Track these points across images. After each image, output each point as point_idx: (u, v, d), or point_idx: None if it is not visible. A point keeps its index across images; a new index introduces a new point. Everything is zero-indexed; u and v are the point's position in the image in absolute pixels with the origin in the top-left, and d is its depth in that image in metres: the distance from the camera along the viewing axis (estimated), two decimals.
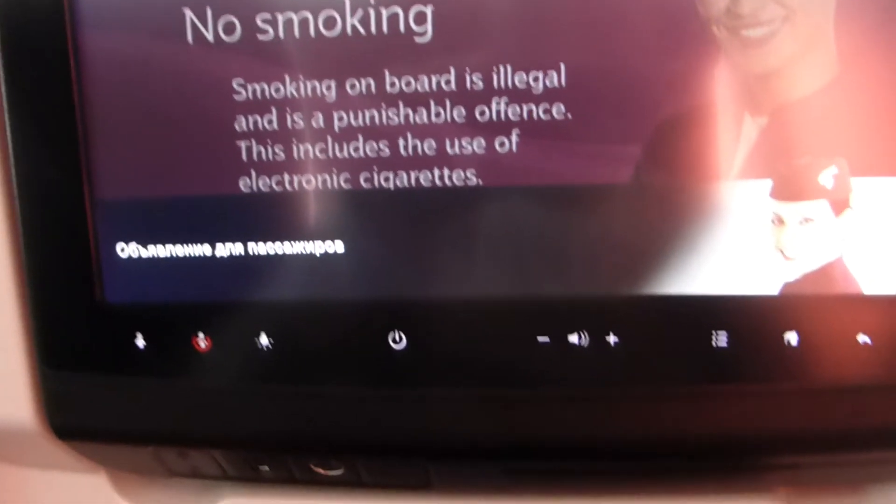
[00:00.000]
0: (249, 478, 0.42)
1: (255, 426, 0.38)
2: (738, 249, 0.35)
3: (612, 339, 0.35)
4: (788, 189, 0.35)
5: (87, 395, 0.38)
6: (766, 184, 0.34)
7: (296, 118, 0.35)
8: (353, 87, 0.35)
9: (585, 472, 0.39)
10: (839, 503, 0.42)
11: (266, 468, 0.41)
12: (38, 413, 0.39)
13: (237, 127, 0.36)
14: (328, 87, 0.35)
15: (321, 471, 0.41)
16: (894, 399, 0.35)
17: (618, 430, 0.36)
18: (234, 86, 0.35)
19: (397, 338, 0.36)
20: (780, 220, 0.35)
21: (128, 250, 0.37)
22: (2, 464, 0.45)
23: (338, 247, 0.36)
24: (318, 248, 0.36)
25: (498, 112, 0.35)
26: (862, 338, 0.35)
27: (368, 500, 0.43)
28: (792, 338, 0.35)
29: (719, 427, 0.36)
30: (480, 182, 0.35)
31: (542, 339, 0.36)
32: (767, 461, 0.38)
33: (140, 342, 0.37)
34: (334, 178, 0.36)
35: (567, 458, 0.38)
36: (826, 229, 0.35)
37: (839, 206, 0.34)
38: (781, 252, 0.35)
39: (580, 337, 0.36)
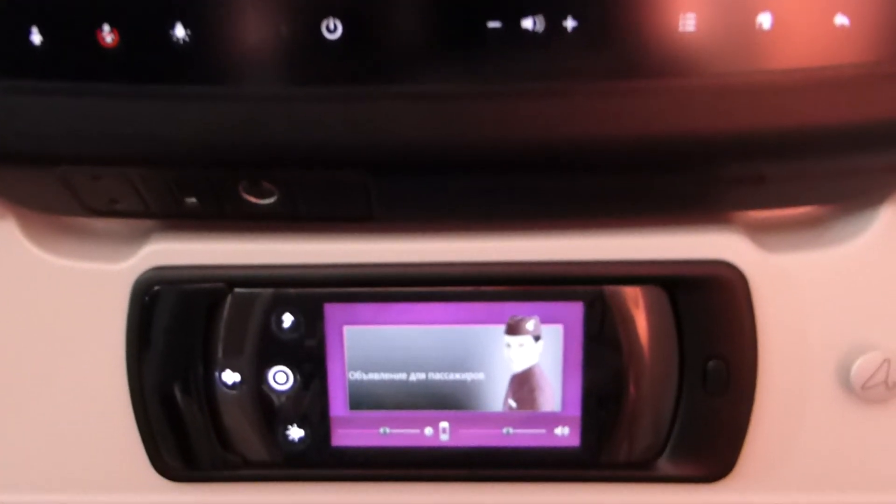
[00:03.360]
0: (175, 214, 0.39)
1: (172, 135, 0.34)
2: None
3: (569, 23, 0.32)
4: None
5: None
6: None
7: None
8: None
9: (537, 188, 0.37)
10: (798, 234, 0.41)
11: (193, 199, 0.38)
12: None
13: None
14: None
15: (253, 199, 0.37)
16: (870, 89, 0.33)
17: (576, 130, 0.33)
18: None
19: (332, 26, 0.32)
20: None
21: None
22: None
23: None
24: None
25: None
26: (840, 19, 0.32)
27: (307, 241, 0.40)
28: (765, 20, 0.32)
29: (686, 124, 0.33)
30: None
31: (493, 24, 0.32)
32: (733, 168, 0.35)
33: (36, 38, 0.33)
34: None
35: (520, 165, 0.35)
36: None
37: None
38: None
39: (534, 22, 0.32)
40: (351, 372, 0.41)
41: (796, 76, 0.33)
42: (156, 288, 0.40)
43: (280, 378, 0.42)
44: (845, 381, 0.40)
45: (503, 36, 0.32)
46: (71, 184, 0.37)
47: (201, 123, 0.34)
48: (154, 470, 0.42)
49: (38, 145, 0.35)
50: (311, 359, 0.41)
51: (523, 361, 0.41)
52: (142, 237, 0.41)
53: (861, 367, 0.40)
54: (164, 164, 0.35)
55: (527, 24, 0.32)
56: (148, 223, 0.42)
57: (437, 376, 0.41)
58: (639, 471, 0.42)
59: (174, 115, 0.34)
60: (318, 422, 0.42)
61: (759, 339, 0.40)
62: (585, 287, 0.40)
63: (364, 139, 0.34)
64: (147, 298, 0.40)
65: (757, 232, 0.40)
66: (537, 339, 0.41)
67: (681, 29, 0.32)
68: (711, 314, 0.40)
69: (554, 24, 0.32)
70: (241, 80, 0.33)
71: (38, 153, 0.35)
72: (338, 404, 0.42)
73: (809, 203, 0.40)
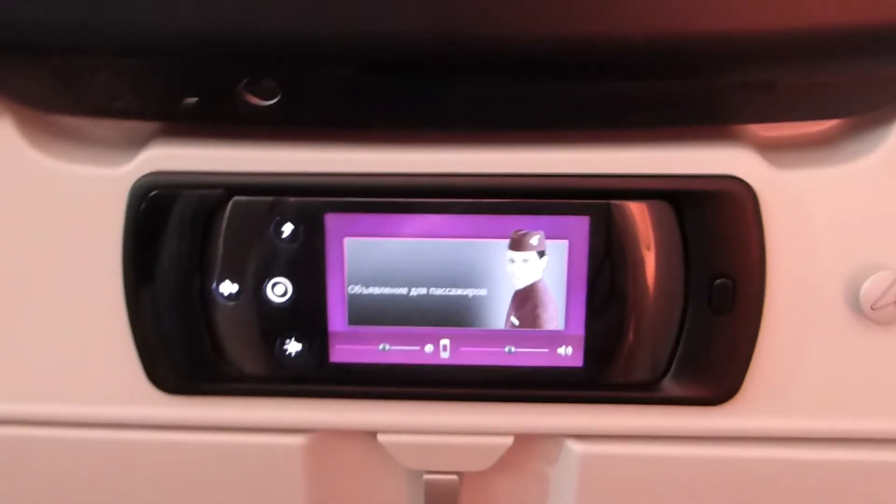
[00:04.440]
0: (174, 115, 0.38)
1: (170, 23, 0.33)
2: None
3: None
4: None
5: None
6: None
7: None
8: None
9: (540, 94, 0.36)
10: (809, 151, 0.40)
11: (193, 99, 0.37)
12: None
13: None
14: None
15: (255, 100, 0.37)
16: None
17: (581, 28, 0.32)
18: None
19: None
20: None
21: None
22: None
23: None
24: None
25: None
26: None
27: (309, 149, 0.39)
28: None
29: (696, 25, 0.32)
30: None
31: None
32: (744, 72, 0.35)
33: None
34: None
35: (522, 66, 0.34)
36: None
37: None
38: None
39: None
40: (351, 285, 0.41)
41: None
42: (153, 193, 0.39)
43: (278, 290, 0.41)
44: (854, 301, 0.40)
45: None
46: (67, 77, 0.36)
47: (201, 11, 0.33)
48: (149, 381, 0.42)
49: (32, 34, 0.34)
50: (310, 270, 0.40)
51: (527, 277, 0.40)
52: (141, 143, 0.41)
53: (870, 287, 0.39)
54: (162, 55, 0.34)
55: None
56: (147, 130, 0.41)
57: (439, 291, 0.41)
58: (642, 392, 0.41)
59: (173, 2, 0.33)
60: (317, 336, 0.41)
61: (766, 257, 0.40)
62: (591, 201, 0.39)
63: (366, 31, 0.33)
64: (144, 204, 0.39)
65: (767, 149, 0.39)
66: (542, 254, 0.40)
67: None
68: (719, 231, 0.39)
69: None
70: None
71: (31, 43, 0.34)
72: (337, 319, 0.41)
73: (822, 116, 0.40)
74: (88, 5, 0.33)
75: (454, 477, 0.45)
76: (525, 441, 0.44)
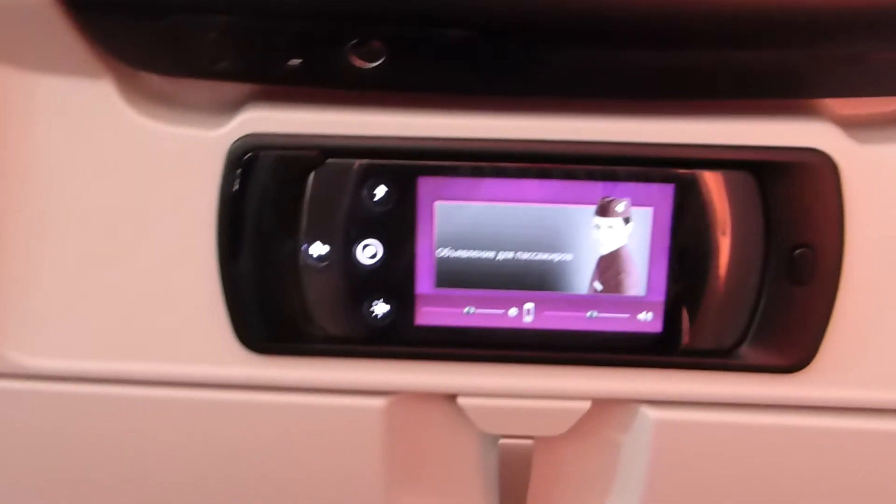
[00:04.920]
0: (277, 78, 0.39)
1: None
2: None
3: None
4: None
5: None
6: None
7: None
8: None
9: (643, 63, 0.37)
10: (890, 127, 0.41)
11: (298, 61, 0.38)
12: None
13: None
14: None
15: (360, 63, 0.37)
16: None
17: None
18: None
19: None
20: None
21: None
22: (5, 68, 0.40)
23: None
24: None
25: None
26: None
27: (403, 113, 0.40)
28: None
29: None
30: None
31: None
32: (836, 44, 0.36)
33: None
34: None
35: (624, 40, 0.35)
36: None
37: None
38: None
39: None
40: (439, 248, 0.42)
41: None
42: (249, 155, 0.40)
43: (368, 252, 0.42)
44: None
45: None
46: (176, 37, 0.37)
47: None
48: (237, 341, 0.43)
49: None
50: (400, 233, 0.41)
51: (611, 243, 0.41)
52: (231, 108, 0.41)
53: None
54: (277, 14, 0.35)
55: None
56: (243, 93, 0.42)
57: (525, 256, 0.42)
58: (719, 358, 0.42)
59: None
60: (404, 298, 0.42)
61: (846, 229, 0.41)
62: (676, 170, 0.40)
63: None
64: (241, 165, 0.40)
65: (848, 123, 0.41)
66: (627, 221, 0.41)
67: None
68: (800, 202, 0.40)
69: None
70: None
71: (146, 2, 0.35)
72: (424, 281, 0.42)
73: None
74: None
75: (529, 442, 0.46)
76: (600, 407, 0.45)
